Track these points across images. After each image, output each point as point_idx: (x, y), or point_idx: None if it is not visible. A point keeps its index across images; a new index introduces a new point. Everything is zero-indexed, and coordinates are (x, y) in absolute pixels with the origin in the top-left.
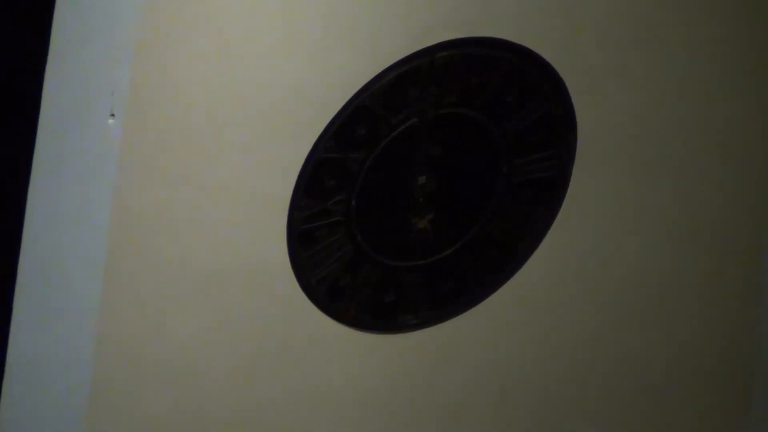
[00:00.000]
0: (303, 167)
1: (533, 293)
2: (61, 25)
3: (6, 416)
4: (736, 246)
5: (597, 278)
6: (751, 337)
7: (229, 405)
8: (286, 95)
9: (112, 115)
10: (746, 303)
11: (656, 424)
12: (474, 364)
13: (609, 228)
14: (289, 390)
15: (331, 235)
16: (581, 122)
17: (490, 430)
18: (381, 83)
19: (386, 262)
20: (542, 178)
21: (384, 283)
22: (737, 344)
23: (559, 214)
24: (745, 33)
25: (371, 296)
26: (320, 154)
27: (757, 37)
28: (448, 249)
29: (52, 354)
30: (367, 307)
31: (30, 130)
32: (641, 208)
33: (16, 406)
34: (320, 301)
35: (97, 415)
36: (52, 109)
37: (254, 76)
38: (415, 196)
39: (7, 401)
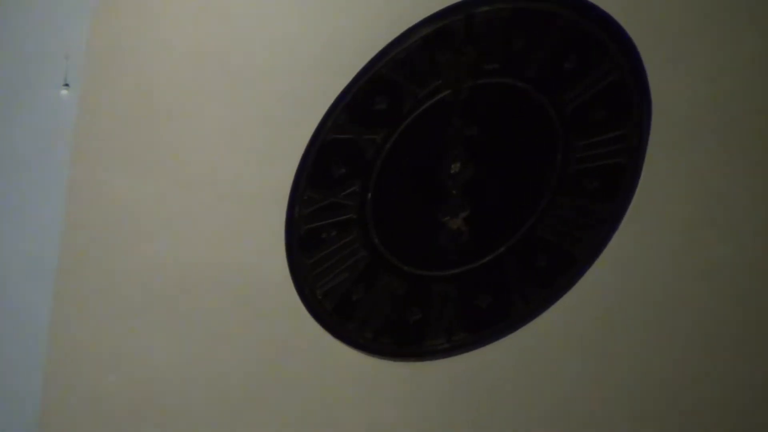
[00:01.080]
0: (306, 151)
1: (595, 311)
2: None
3: None
4: None
5: (677, 291)
6: None
7: None
8: (284, 60)
9: (66, 85)
10: None
11: None
12: (519, 400)
13: (692, 228)
14: None
15: (341, 236)
16: (656, 95)
17: None
18: (404, 46)
19: (410, 272)
20: (608, 166)
21: (408, 297)
22: None
23: (629, 210)
24: None
25: (391, 314)
26: (328, 134)
27: None
28: (487, 255)
29: None
30: (386, 328)
31: None
32: (731, 202)
33: None
34: (327, 319)
35: None
36: None
37: (244, 38)
38: (446, 187)
39: None
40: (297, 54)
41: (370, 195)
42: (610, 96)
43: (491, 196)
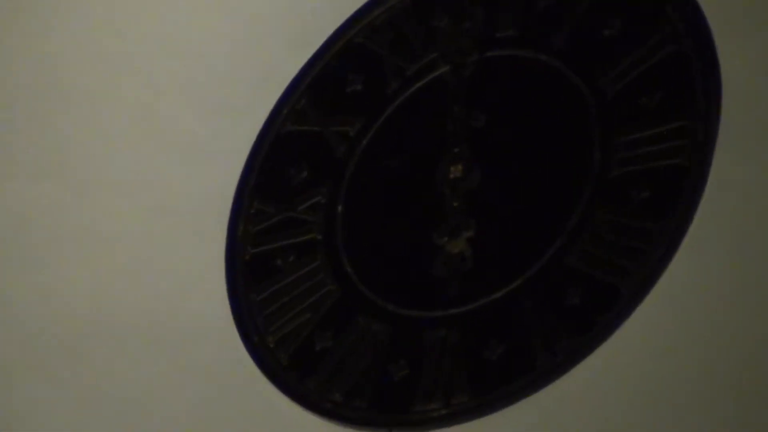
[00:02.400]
0: (254, 148)
1: (644, 364)
2: None
3: None
4: None
5: (754, 334)
6: None
7: None
8: (226, 27)
9: None
10: None
11: None
12: None
13: None
14: None
15: (301, 263)
16: (728, 74)
17: None
18: (388, 6)
19: (394, 311)
20: (662, 169)
21: (391, 346)
22: None
23: (691, 229)
24: None
25: (369, 369)
26: (284, 125)
27: None
28: (499, 290)
29: None
30: (361, 388)
31: None
32: None
33: None
34: (282, 375)
35: None
36: None
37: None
38: (444, 198)
39: None
40: (243, 18)
41: (340, 208)
42: (665, 75)
43: (504, 209)
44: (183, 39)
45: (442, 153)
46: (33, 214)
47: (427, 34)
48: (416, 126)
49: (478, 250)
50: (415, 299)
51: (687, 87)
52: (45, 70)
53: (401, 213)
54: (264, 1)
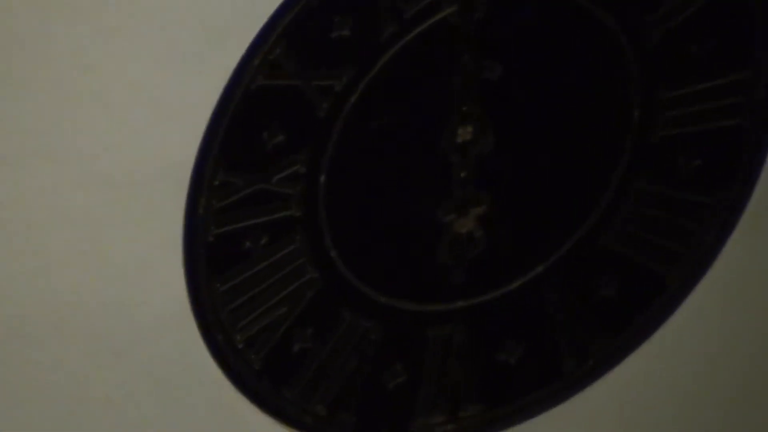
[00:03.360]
0: (219, 107)
1: (693, 371)
2: None
3: None
4: None
5: None
6: None
7: None
8: None
9: None
10: None
11: None
12: None
13: None
14: None
15: (275, 246)
16: None
17: None
18: None
19: (389, 304)
20: (716, 131)
21: (385, 347)
22: None
23: (750, 204)
24: None
25: (358, 375)
26: (255, 78)
27: None
28: (516, 279)
29: None
30: (349, 398)
31: None
32: None
33: None
34: (253, 382)
35: None
36: None
37: None
38: (451, 166)
39: None
40: None
41: (323, 178)
42: (720, 17)
43: (523, 180)
44: None
45: (449, 112)
46: None
47: None
48: (416, 79)
49: (491, 229)
50: (413, 290)
51: (746, 32)
52: None
53: (397, 185)
54: None
